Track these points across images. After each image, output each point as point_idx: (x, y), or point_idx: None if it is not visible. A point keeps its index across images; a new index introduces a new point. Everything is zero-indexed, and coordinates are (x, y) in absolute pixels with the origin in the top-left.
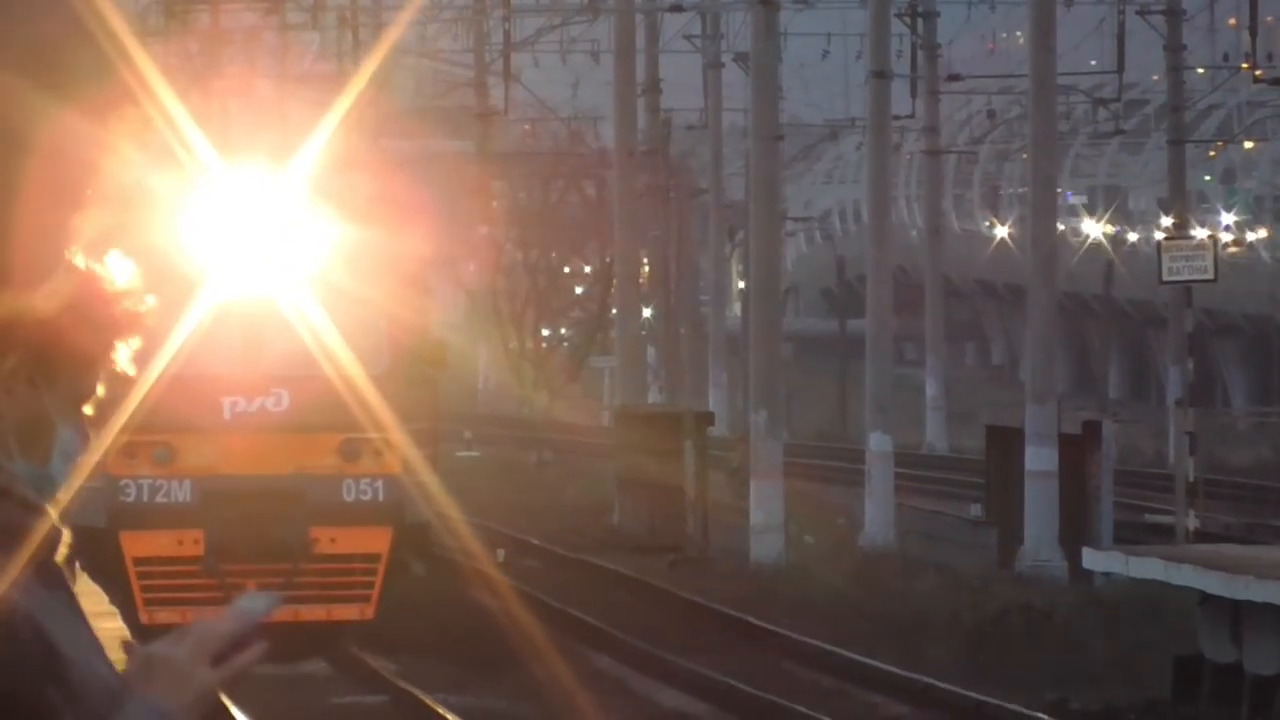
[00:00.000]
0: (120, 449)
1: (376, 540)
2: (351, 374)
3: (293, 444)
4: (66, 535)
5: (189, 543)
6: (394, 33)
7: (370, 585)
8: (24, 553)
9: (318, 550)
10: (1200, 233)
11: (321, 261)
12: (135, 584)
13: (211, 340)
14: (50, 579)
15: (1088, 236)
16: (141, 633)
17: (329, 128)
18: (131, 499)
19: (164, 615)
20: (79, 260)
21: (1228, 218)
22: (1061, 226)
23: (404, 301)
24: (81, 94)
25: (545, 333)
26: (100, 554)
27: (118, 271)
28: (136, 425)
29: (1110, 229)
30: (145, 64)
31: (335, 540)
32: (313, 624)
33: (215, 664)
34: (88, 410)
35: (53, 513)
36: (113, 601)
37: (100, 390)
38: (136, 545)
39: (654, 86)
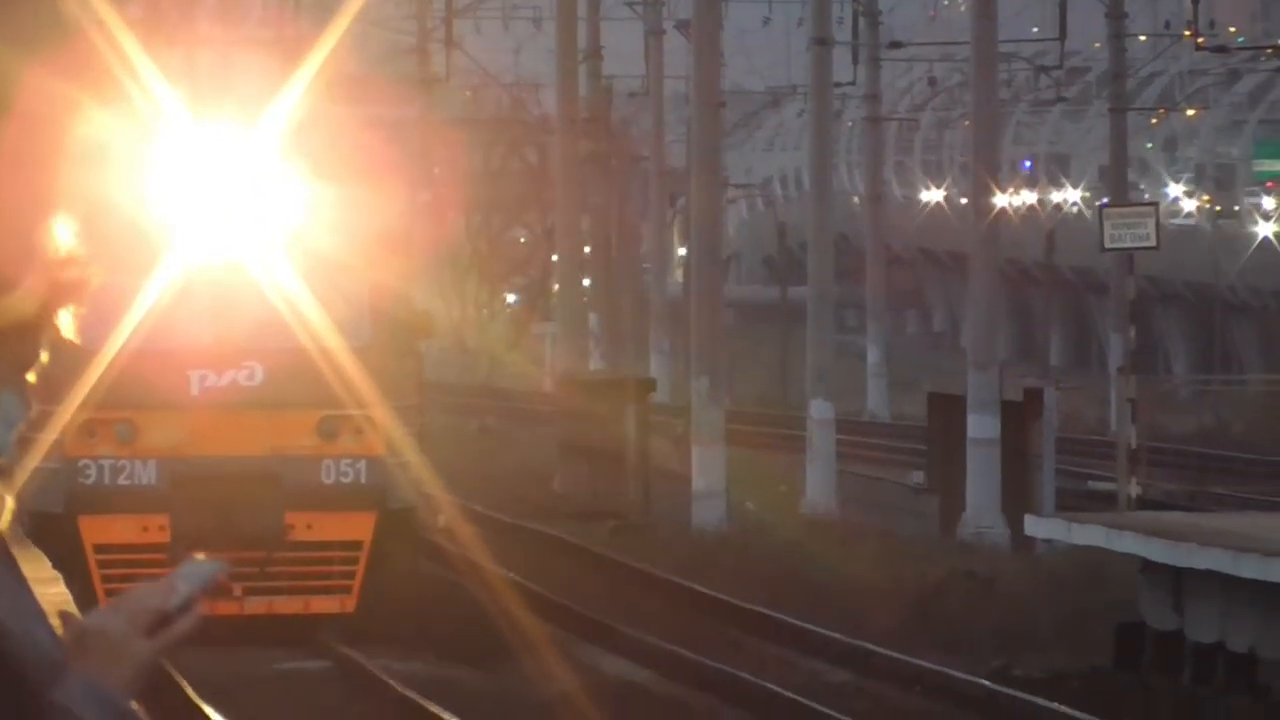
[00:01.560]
0: (79, 427)
1: (358, 526)
2: (330, 345)
3: (266, 422)
4: (10, 502)
5: (154, 529)
6: None
7: (351, 575)
8: None
9: (294, 537)
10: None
11: (297, 224)
12: (95, 573)
13: (178, 309)
14: None
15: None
16: None
17: (295, 88)
18: (91, 481)
19: None
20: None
21: (1175, 189)
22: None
23: (386, 267)
24: (43, 48)
25: (487, 299)
26: (57, 540)
27: (62, 236)
28: (97, 401)
29: (1086, 194)
30: (110, 18)
31: (313, 526)
32: (289, 618)
33: (152, 634)
34: (30, 377)
35: None
36: (71, 591)
37: (44, 357)
38: (97, 531)
39: (596, 53)
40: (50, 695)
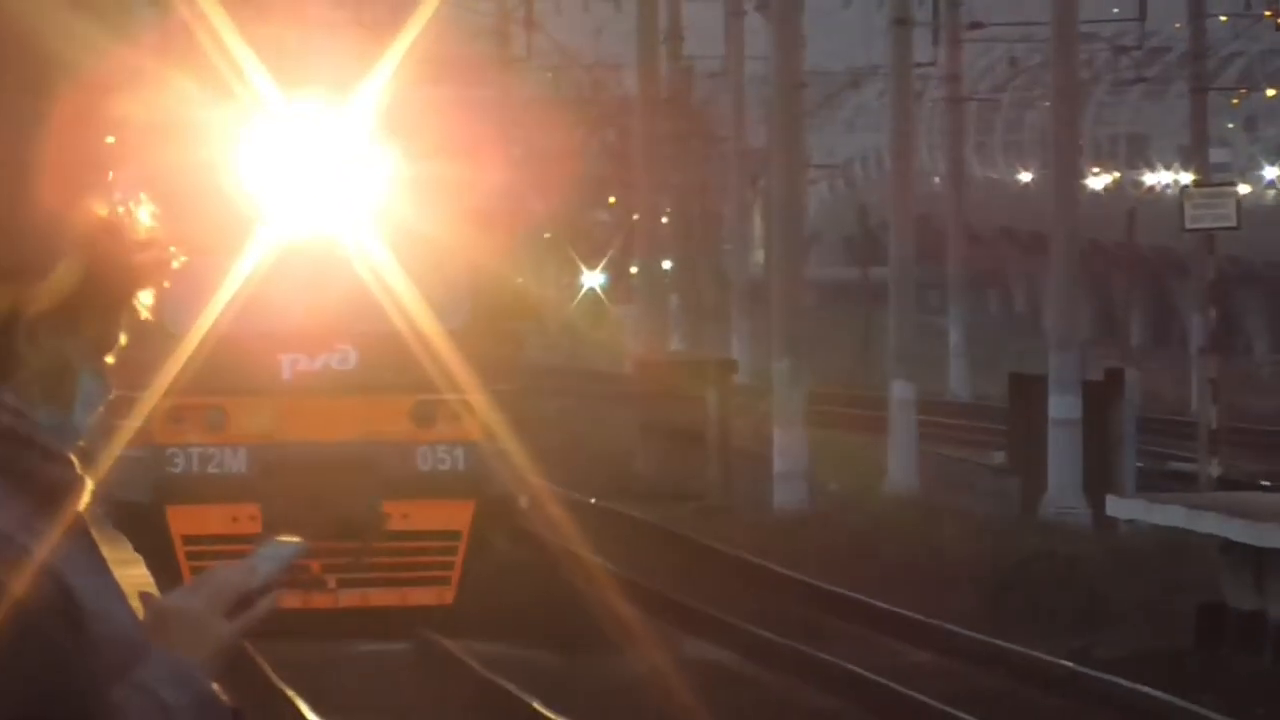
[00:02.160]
0: (167, 414)
1: (456, 515)
2: (426, 328)
3: (360, 407)
4: (90, 484)
5: (244, 519)
6: None
7: (450, 565)
8: (45, 502)
9: (390, 527)
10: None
11: (391, 203)
12: (184, 565)
13: (269, 291)
14: (73, 528)
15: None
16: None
17: (385, 67)
18: (179, 470)
19: None
20: (101, 208)
21: (1271, 171)
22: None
23: (484, 247)
24: (128, 22)
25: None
26: (144, 531)
27: (143, 217)
28: (185, 387)
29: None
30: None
31: (409, 516)
32: (385, 610)
33: (232, 615)
34: (109, 360)
35: (75, 461)
36: (159, 584)
37: (123, 339)
38: (185, 521)
39: (676, 34)
40: (131, 675)
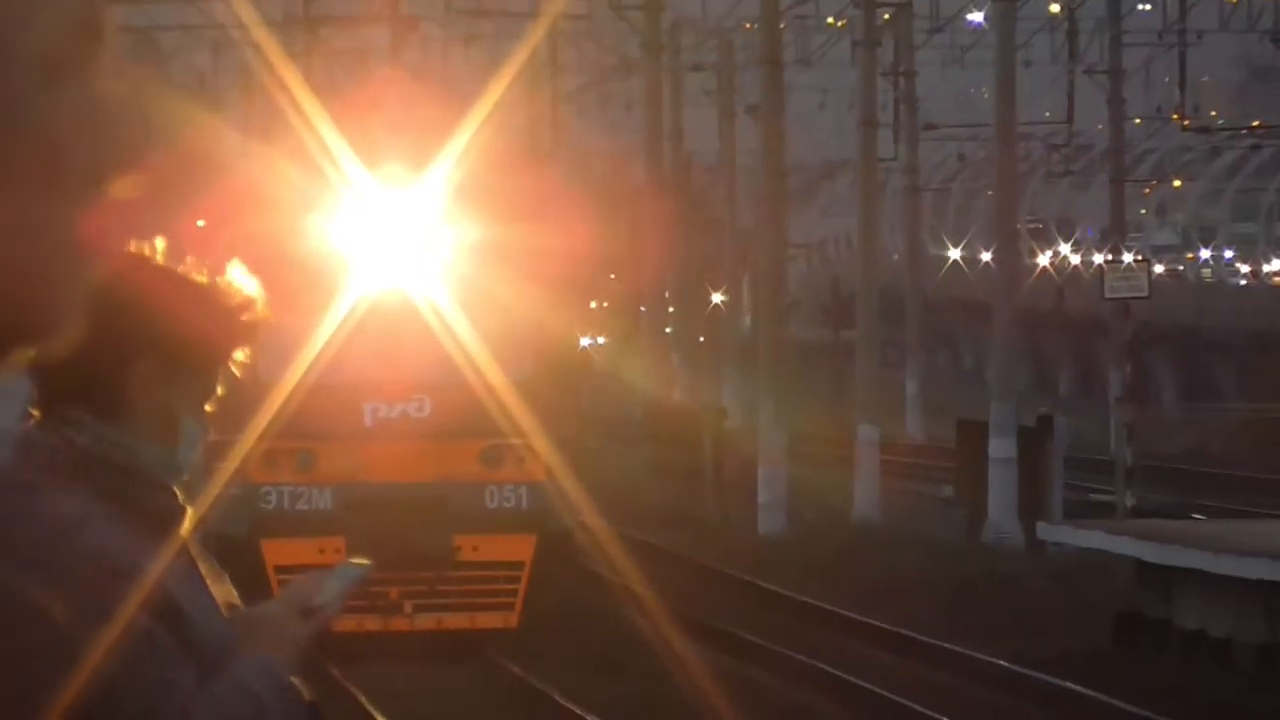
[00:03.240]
0: (261, 456)
1: (520, 548)
2: (494, 380)
3: (434, 451)
4: (190, 511)
5: (330, 551)
6: (523, 52)
7: (514, 593)
8: (153, 527)
9: (461, 558)
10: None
11: (464, 264)
12: (276, 592)
13: (353, 346)
14: (177, 550)
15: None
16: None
17: (467, 129)
18: (272, 506)
19: None
20: (201, 275)
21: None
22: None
23: (548, 305)
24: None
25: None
26: (241, 562)
27: (240, 283)
28: (278, 432)
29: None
30: (290, 75)
31: (478, 548)
32: (456, 632)
33: (306, 620)
34: (208, 407)
35: (178, 491)
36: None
37: (220, 390)
38: (277, 553)
39: (677, 133)
40: (225, 670)
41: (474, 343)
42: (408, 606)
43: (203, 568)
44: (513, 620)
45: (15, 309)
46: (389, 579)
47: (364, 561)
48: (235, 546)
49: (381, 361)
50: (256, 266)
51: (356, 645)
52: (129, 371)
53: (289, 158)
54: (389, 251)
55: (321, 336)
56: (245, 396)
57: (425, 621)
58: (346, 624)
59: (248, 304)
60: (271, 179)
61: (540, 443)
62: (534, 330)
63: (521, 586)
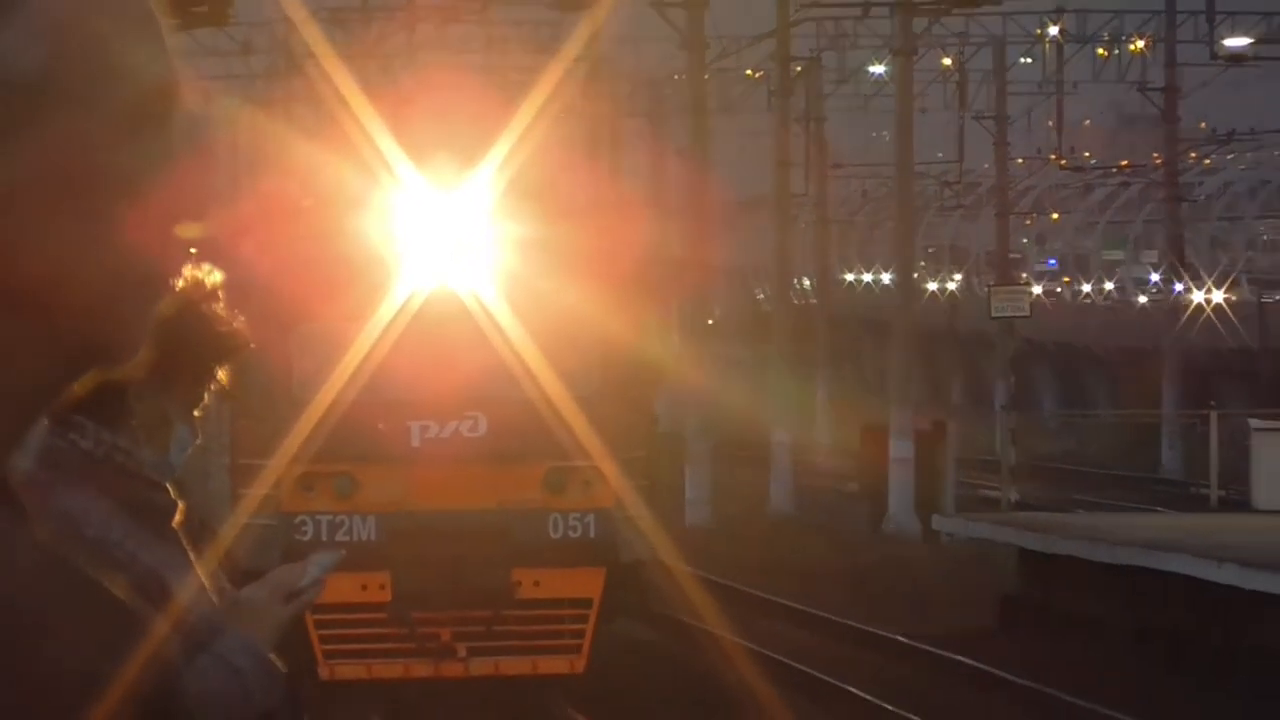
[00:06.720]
0: (296, 481)
1: (588, 583)
2: (557, 396)
3: (490, 475)
4: (181, 505)
5: (374, 587)
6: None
7: (581, 634)
8: (149, 519)
9: (521, 595)
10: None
11: (521, 269)
12: (313, 634)
13: (399, 357)
14: (168, 538)
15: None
16: (321, 690)
17: (523, 128)
18: (309, 538)
19: (346, 670)
20: (191, 285)
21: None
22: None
23: (617, 314)
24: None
25: None
26: None
27: (221, 292)
28: (314, 454)
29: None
30: (338, 72)
31: (540, 583)
32: (516, 678)
33: (286, 603)
34: (197, 413)
35: (170, 489)
36: (286, 655)
37: (207, 398)
38: None
39: (616, 172)
40: (211, 646)
41: (534, 354)
42: (462, 650)
43: (192, 556)
44: (580, 664)
45: (99, 334)
46: (440, 619)
47: (335, 550)
48: None
49: (431, 375)
50: (294, 271)
51: (404, 693)
52: (129, 383)
53: (333, 153)
54: (438, 252)
55: (364, 347)
56: (276, 416)
57: (481, 666)
58: (392, 670)
59: (230, 319)
60: (314, 175)
61: (609, 466)
62: (602, 340)
63: (590, 626)
